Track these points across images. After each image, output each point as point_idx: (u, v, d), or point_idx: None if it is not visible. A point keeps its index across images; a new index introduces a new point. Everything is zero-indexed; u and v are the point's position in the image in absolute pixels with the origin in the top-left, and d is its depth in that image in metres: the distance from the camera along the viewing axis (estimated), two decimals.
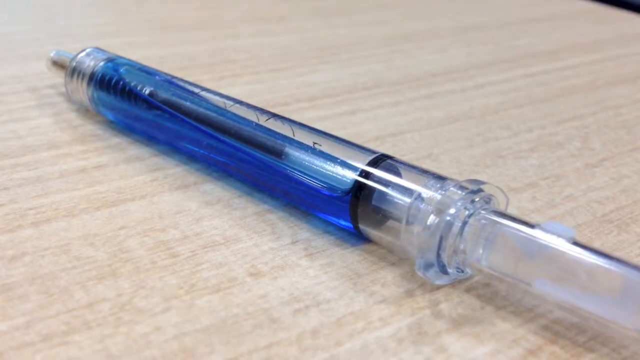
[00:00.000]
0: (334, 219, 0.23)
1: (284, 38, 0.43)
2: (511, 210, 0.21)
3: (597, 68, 0.41)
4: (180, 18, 0.46)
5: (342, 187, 0.22)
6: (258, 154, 0.24)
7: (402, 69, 0.39)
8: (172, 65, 0.36)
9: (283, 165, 0.23)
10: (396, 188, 0.21)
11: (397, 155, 0.22)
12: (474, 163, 0.28)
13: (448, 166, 0.28)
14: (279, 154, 0.23)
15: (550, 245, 0.18)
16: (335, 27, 0.47)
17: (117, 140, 0.28)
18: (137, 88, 0.27)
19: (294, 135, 0.23)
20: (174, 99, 0.26)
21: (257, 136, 0.24)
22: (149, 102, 0.27)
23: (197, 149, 0.26)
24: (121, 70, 0.28)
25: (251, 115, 0.24)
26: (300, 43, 0.42)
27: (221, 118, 0.25)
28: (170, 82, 0.27)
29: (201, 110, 0.25)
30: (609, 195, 0.26)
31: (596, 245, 0.22)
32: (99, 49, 0.30)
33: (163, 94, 0.26)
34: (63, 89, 0.31)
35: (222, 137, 0.24)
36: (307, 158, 0.23)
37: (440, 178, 0.21)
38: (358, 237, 0.22)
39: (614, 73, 0.40)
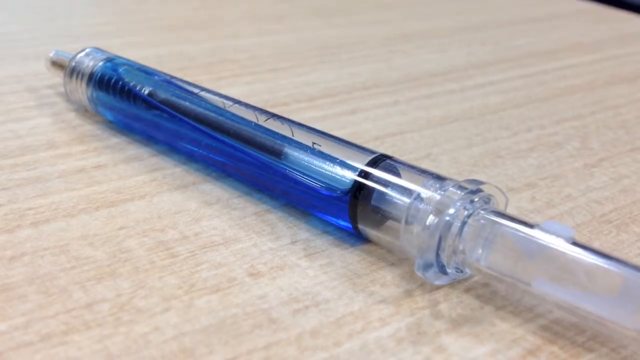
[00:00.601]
0: (333, 219, 0.23)
1: (284, 38, 0.43)
2: (510, 211, 0.21)
3: (597, 68, 0.41)
4: (179, 18, 0.46)
5: (341, 187, 0.22)
6: (257, 154, 0.24)
7: (401, 69, 0.39)
8: (172, 65, 0.36)
9: (282, 165, 0.23)
10: (395, 188, 0.21)
11: (396, 155, 0.22)
12: (472, 163, 0.28)
13: (447, 166, 0.28)
14: (278, 154, 0.23)
15: (550, 245, 0.18)
16: (334, 26, 0.47)
17: (116, 140, 0.28)
18: (136, 88, 0.27)
19: (293, 135, 0.23)
20: (173, 99, 0.26)
21: (256, 136, 0.24)
22: (148, 102, 0.27)
23: (196, 149, 0.26)
24: (120, 70, 0.28)
25: (250, 115, 0.24)
26: (300, 43, 0.42)
27: (220, 118, 0.25)
28: (169, 82, 0.27)
29: (200, 110, 0.25)
30: (608, 196, 0.26)
31: (595, 245, 0.22)
32: (98, 49, 0.30)
33: (162, 94, 0.26)
34: (62, 89, 0.31)
35: (221, 137, 0.24)
36: (306, 158, 0.23)
37: (439, 178, 0.21)
38: (357, 237, 0.22)
39: (613, 73, 0.40)
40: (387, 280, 0.21)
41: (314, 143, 0.23)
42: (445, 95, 0.35)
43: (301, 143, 0.23)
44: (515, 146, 0.30)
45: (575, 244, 0.18)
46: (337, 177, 0.22)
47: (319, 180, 0.22)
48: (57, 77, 0.31)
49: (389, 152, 0.23)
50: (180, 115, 0.25)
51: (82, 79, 0.29)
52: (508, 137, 0.31)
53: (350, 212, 0.21)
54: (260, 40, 0.42)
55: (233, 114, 0.25)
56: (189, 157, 0.27)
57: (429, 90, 0.36)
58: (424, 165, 0.24)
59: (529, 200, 0.25)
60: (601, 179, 0.27)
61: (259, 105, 0.26)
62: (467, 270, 0.20)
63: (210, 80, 0.35)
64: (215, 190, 0.25)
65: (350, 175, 0.22)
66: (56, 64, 0.31)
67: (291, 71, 0.37)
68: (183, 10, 0.48)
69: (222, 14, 0.48)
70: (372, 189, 0.21)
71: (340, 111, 0.32)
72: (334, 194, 0.22)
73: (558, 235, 0.18)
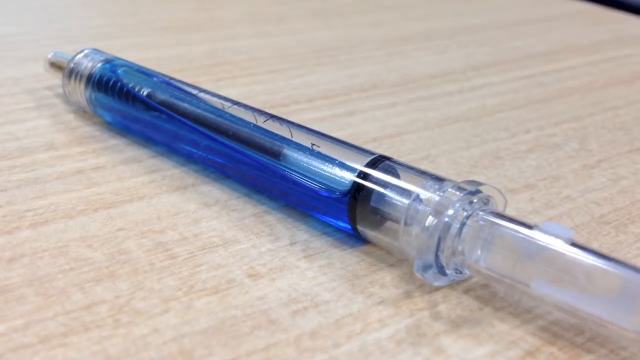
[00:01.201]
0: (332, 220, 0.23)
1: (282, 39, 0.43)
2: (509, 212, 0.21)
3: (595, 69, 0.41)
4: (177, 19, 0.46)
5: (340, 189, 0.22)
6: (256, 155, 0.24)
7: (399, 71, 0.39)
8: (170, 67, 0.36)
9: (281, 167, 0.23)
10: (394, 189, 0.21)
11: (395, 157, 0.22)
12: (471, 164, 0.28)
13: (446, 167, 0.28)
14: (277, 155, 0.23)
15: (549, 246, 0.18)
16: (333, 28, 0.47)
17: (115, 141, 0.28)
18: (134, 89, 0.27)
19: (292, 137, 0.23)
20: (172, 100, 0.26)
21: (255, 137, 0.24)
22: (147, 104, 0.27)
23: (195, 150, 0.26)
24: (119, 71, 0.28)
25: (249, 117, 0.24)
26: (298, 44, 0.42)
27: (219, 119, 0.25)
28: (168, 83, 0.27)
29: (199, 111, 0.25)
30: (606, 197, 0.26)
31: (594, 246, 0.22)
32: (96, 50, 0.30)
33: (161, 96, 0.26)
34: (61, 91, 0.31)
35: (220, 139, 0.24)
36: (305, 159, 0.23)
37: (438, 179, 0.21)
38: (356, 239, 0.22)
39: (611, 74, 0.40)
40: (387, 281, 0.21)
41: (312, 144, 0.23)
42: (443, 97, 0.35)
43: (300, 144, 0.23)
44: (513, 147, 0.30)
45: (574, 245, 0.18)
46: (336, 178, 0.22)
47: (318, 182, 0.22)
48: (56, 79, 0.31)
49: (387, 154, 0.23)
50: (179, 117, 0.25)
51: (80, 80, 0.29)
52: (507, 138, 0.31)
53: (349, 213, 0.21)
54: (259, 41, 0.42)
55: (232, 115, 0.25)
56: (188, 159, 0.27)
57: (427, 92, 0.36)
58: (423, 166, 0.24)
59: (527, 201, 0.25)
60: (600, 180, 0.27)
61: (257, 107, 0.26)
62: (466, 272, 0.20)
63: (208, 81, 0.35)
64: (214, 192, 0.25)
65: (349, 177, 0.22)
66: (55, 66, 0.31)
67: (290, 73, 0.37)
68: (181, 11, 0.48)
69: (220, 16, 0.48)
70: (371, 190, 0.21)
71: (338, 113, 0.32)
72: (333, 195, 0.22)
73: (557, 237, 0.18)
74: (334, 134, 0.24)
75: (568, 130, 0.32)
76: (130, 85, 0.27)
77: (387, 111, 0.33)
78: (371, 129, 0.31)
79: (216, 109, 0.25)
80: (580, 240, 0.19)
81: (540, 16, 0.53)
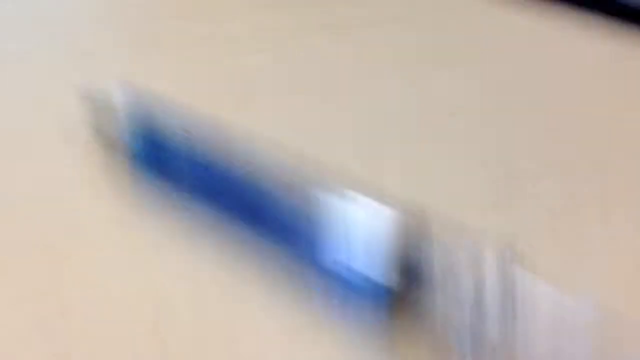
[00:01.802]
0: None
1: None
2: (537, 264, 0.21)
3: None
4: (186, 35, 0.42)
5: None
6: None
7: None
8: (187, 88, 0.35)
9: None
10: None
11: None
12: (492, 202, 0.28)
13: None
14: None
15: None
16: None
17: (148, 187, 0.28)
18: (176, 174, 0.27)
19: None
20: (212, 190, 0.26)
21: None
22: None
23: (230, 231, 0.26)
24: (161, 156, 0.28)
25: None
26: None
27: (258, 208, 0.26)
28: (208, 168, 0.27)
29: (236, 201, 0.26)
30: None
31: None
32: (130, 87, 0.29)
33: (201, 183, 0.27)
34: (92, 126, 0.30)
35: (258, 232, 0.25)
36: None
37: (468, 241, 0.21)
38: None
39: None
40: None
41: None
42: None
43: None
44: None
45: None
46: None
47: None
48: (90, 116, 0.30)
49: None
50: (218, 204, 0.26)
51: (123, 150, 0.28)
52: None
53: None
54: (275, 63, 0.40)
55: (272, 199, 0.26)
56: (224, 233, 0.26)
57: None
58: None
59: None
60: None
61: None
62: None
63: (228, 106, 0.34)
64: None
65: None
66: (91, 103, 0.30)
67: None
68: (193, 27, 0.44)
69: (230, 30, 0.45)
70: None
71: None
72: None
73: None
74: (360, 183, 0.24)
75: None
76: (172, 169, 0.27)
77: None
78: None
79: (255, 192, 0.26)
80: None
81: None
